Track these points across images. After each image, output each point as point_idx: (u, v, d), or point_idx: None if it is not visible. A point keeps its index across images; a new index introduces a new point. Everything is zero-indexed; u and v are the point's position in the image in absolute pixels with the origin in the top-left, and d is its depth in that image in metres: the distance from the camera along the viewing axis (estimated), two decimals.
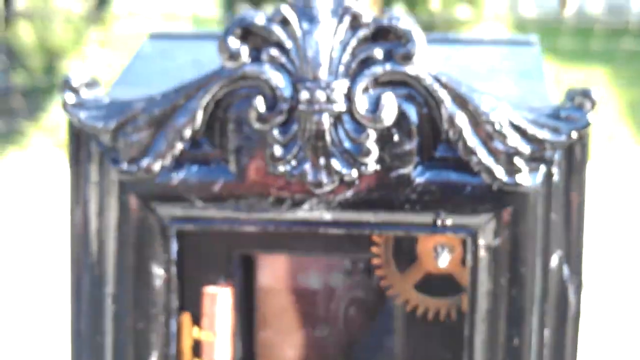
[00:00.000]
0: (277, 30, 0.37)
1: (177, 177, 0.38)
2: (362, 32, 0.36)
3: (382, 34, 0.37)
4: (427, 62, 0.37)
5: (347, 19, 0.36)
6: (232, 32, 0.37)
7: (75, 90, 0.38)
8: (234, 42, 0.37)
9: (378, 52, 0.36)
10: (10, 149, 3.28)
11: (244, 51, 0.37)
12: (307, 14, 0.37)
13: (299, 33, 0.36)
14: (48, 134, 3.52)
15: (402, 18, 0.36)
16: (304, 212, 0.38)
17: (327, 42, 0.36)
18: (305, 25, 0.36)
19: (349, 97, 0.37)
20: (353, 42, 0.36)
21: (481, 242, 0.39)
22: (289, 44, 0.37)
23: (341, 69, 0.36)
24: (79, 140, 0.39)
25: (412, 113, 0.37)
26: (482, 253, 0.39)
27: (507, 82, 0.42)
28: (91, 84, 0.39)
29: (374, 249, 0.41)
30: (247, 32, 0.37)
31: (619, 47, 2.31)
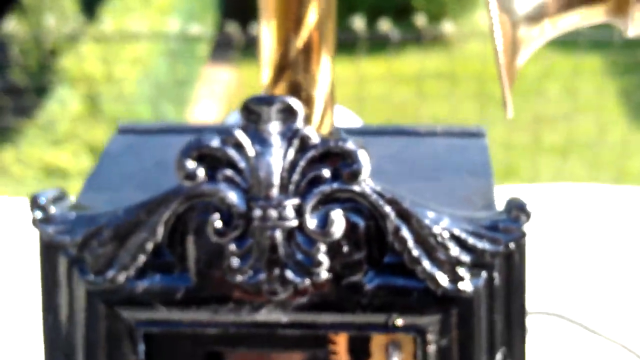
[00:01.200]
0: (231, 153, 0.39)
1: (141, 285, 0.41)
2: (311, 154, 0.39)
3: (330, 154, 0.39)
4: (371, 180, 0.39)
5: (296, 142, 0.39)
6: (189, 155, 0.39)
7: (43, 208, 0.40)
8: (190, 164, 0.39)
9: (326, 172, 0.39)
10: (5, 147, 3.29)
11: (200, 172, 0.39)
12: (258, 137, 0.39)
13: (251, 154, 0.39)
14: (42, 131, 3.54)
15: (348, 140, 0.39)
16: (262, 316, 0.41)
17: (278, 163, 0.39)
18: (258, 148, 0.39)
19: (300, 214, 0.39)
20: (302, 163, 0.39)
21: (429, 340, 0.41)
22: (242, 165, 0.39)
23: (291, 188, 0.39)
24: (49, 252, 0.41)
25: (360, 225, 0.40)
26: (431, 350, 0.41)
27: (453, 180, 0.45)
28: (58, 199, 0.41)
29: (331, 346, 0.43)
30: (203, 154, 0.39)
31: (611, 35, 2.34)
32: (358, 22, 2.19)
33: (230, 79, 4.49)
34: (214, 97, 4.31)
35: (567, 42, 2.88)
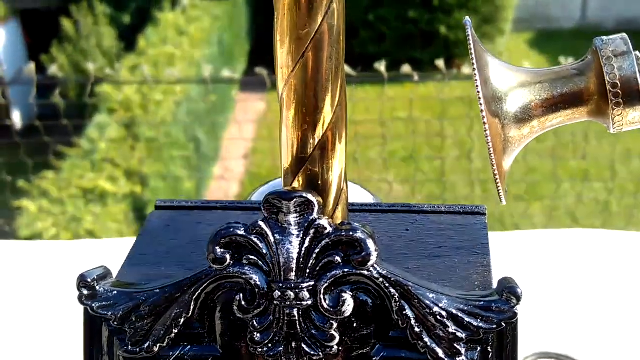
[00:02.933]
0: (255, 240, 0.44)
1: (173, 354, 0.46)
2: (325, 242, 0.44)
3: (342, 242, 0.44)
4: (379, 265, 0.44)
5: (312, 232, 0.44)
6: (218, 242, 0.44)
7: (89, 286, 0.46)
8: (219, 250, 0.44)
9: (338, 258, 0.44)
10: (45, 173, 3.39)
11: (228, 256, 0.44)
12: (279, 227, 0.44)
13: (273, 242, 0.44)
14: (82, 156, 3.63)
15: (358, 229, 0.44)
16: None
17: (296, 250, 0.44)
18: (278, 237, 0.44)
19: (315, 295, 0.44)
20: (317, 250, 0.44)
21: None
22: (264, 251, 0.44)
23: (308, 271, 0.44)
24: (93, 323, 0.47)
25: (368, 304, 0.45)
26: None
27: (454, 259, 0.50)
28: (103, 277, 0.47)
29: None
30: (230, 241, 0.44)
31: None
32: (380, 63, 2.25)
33: (261, 105, 4.56)
34: (246, 122, 4.38)
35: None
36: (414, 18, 4.87)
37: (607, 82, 0.45)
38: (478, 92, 0.45)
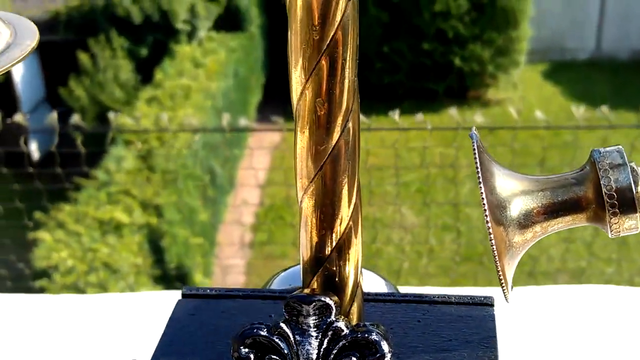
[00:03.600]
0: (277, 341, 0.48)
1: None
2: (342, 343, 0.48)
3: (358, 343, 0.48)
4: None
5: (329, 333, 0.48)
6: (242, 342, 0.48)
7: None
8: (243, 349, 0.48)
9: (354, 359, 0.47)
10: (63, 204, 3.43)
11: (252, 355, 0.48)
12: (299, 329, 0.48)
13: (293, 343, 0.48)
14: (98, 188, 3.68)
15: (373, 331, 0.47)
16: None
17: (315, 350, 0.48)
18: (298, 338, 0.48)
19: None
20: (335, 351, 0.48)
21: None
22: (286, 351, 0.48)
23: None
24: None
25: None
26: None
27: (463, 353, 0.53)
28: None
29: None
30: (254, 341, 0.48)
31: None
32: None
33: (276, 136, 4.61)
34: (261, 153, 4.43)
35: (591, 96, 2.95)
36: (428, 50, 4.92)
37: (604, 193, 0.49)
38: (484, 203, 0.48)
